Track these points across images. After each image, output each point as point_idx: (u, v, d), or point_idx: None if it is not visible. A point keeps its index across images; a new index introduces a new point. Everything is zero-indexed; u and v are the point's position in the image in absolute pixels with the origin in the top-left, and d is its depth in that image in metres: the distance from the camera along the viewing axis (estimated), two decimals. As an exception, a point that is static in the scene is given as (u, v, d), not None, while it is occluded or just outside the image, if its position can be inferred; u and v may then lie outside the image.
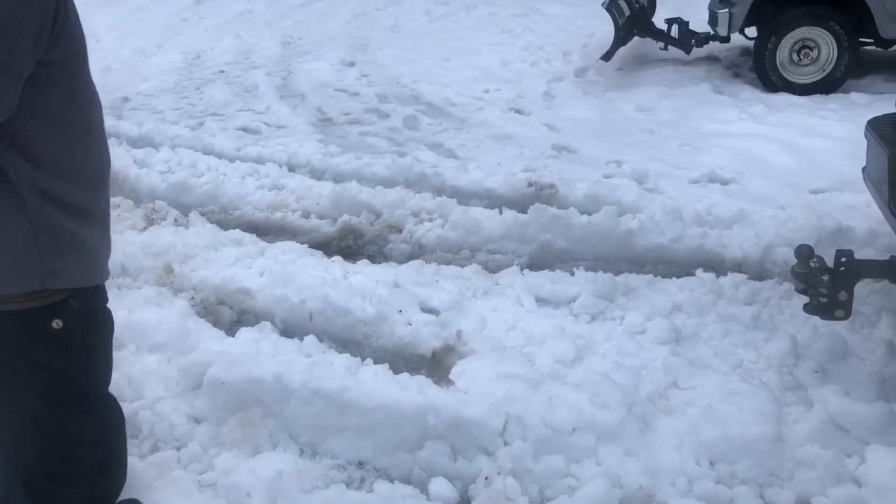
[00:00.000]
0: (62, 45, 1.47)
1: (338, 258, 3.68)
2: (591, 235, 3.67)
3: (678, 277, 3.34)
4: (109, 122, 5.92)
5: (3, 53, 1.34)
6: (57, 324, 1.56)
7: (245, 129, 6.00)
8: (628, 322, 2.96)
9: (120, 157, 5.01)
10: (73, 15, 1.51)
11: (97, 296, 1.67)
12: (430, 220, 4.16)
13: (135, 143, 5.61)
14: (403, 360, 2.89)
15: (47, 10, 1.39)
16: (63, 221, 1.53)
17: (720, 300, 3.08)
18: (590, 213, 3.84)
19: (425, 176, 4.70)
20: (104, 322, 1.73)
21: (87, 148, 1.59)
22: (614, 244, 3.65)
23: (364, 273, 3.41)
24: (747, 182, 4.50)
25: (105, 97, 6.70)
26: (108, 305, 1.75)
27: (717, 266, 3.54)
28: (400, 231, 4.12)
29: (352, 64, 7.75)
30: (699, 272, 3.31)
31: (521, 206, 4.30)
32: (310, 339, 2.87)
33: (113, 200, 4.31)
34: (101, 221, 1.65)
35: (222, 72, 7.77)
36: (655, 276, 3.38)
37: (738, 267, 3.50)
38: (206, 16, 10.11)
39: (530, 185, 4.48)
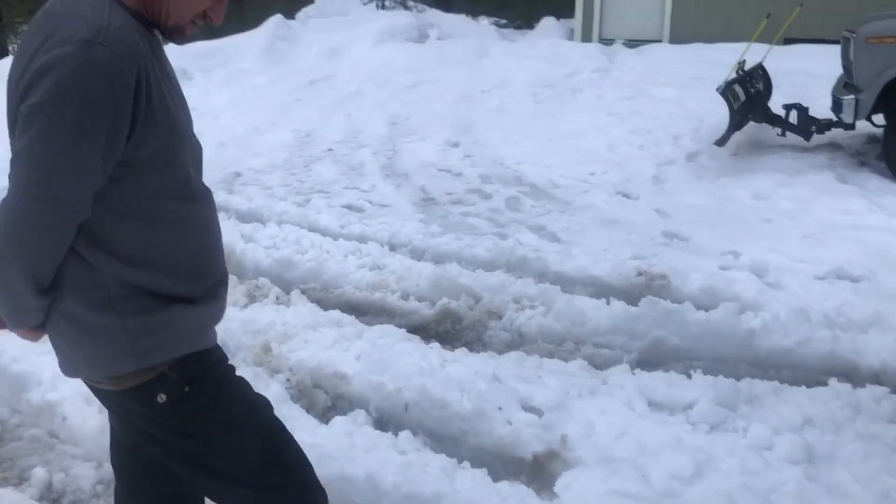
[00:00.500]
0: (148, 144, 1.41)
1: (436, 344, 3.55)
2: (708, 334, 3.41)
3: (808, 386, 3.03)
4: (220, 197, 6.09)
5: (71, 162, 1.32)
6: (161, 398, 1.52)
7: (350, 207, 6.04)
8: (753, 435, 2.67)
9: (228, 232, 5.09)
10: (167, 110, 1.45)
11: (201, 361, 1.58)
12: (532, 307, 4.00)
13: (243, 217, 5.72)
14: (502, 463, 2.69)
15: (121, 115, 1.34)
16: (152, 306, 1.49)
17: (859, 416, 2.75)
18: (706, 309, 3.58)
19: (527, 260, 4.56)
20: (222, 379, 1.64)
21: (181, 240, 1.52)
22: (734, 345, 3.38)
23: (462, 362, 3.26)
24: (880, 280, 4.13)
25: (218, 172, 6.97)
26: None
27: (851, 375, 3.20)
28: (500, 317, 3.96)
29: (456, 144, 7.78)
30: (832, 382, 2.99)
31: (630, 296, 4.09)
32: (405, 435, 2.72)
33: (217, 275, 4.37)
34: (203, 300, 1.58)
35: (331, 150, 7.95)
36: (781, 382, 3.07)
37: (876, 377, 3.15)
38: (318, 96, 10.46)
39: (640, 274, 4.26)
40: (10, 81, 1.42)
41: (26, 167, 1.33)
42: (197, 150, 1.61)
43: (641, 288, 4.13)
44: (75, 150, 1.32)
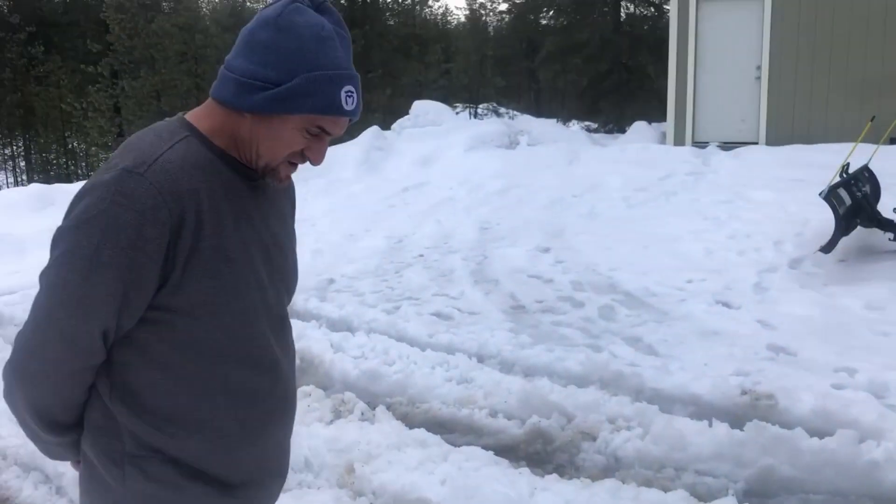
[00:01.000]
0: (189, 292, 1.28)
1: (525, 469, 3.38)
2: (824, 464, 3.12)
3: (946, 531, 2.69)
4: (313, 304, 6.18)
5: (79, 295, 1.23)
6: None
7: (438, 315, 6.00)
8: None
9: (318, 341, 5.12)
10: (224, 259, 1.31)
11: None
12: (629, 428, 3.78)
13: (334, 325, 5.75)
14: None
15: (148, 253, 1.23)
16: (172, 478, 1.33)
17: None
18: (820, 436, 3.29)
19: (622, 375, 4.36)
20: None
21: (224, 409, 1.35)
22: (854, 478, 3.06)
23: (553, 491, 3.07)
24: None
25: (312, 279, 7.09)
26: None
27: None
28: (594, 439, 3.75)
29: (547, 250, 7.71)
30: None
31: (734, 416, 3.82)
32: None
33: (304, 389, 4.35)
34: (240, 489, 1.39)
35: (421, 255, 8.01)
36: (914, 526, 2.74)
37: None
38: (410, 202, 10.67)
39: (744, 393, 3.99)
40: None
41: (40, 292, 1.27)
42: (274, 307, 1.43)
43: (746, 408, 3.86)
44: (85, 283, 1.22)
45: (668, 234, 7.66)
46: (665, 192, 9.48)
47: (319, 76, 1.27)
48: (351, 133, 13.56)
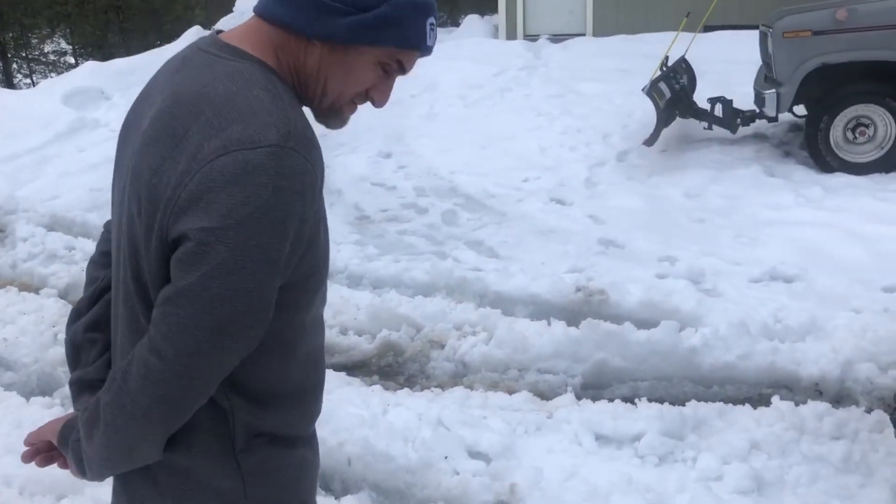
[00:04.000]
0: (307, 262, 1.14)
1: (377, 387, 3.45)
2: (650, 354, 3.40)
3: (752, 406, 3.03)
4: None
5: (261, 304, 1.06)
6: None
7: (281, 231, 5.87)
8: (702, 466, 2.65)
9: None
10: (324, 217, 1.19)
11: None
12: (474, 334, 3.93)
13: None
14: (452, 517, 2.61)
15: (305, 236, 1.09)
16: (273, 455, 1.22)
17: (803, 436, 2.76)
18: (647, 327, 3.57)
19: (467, 281, 4.50)
20: None
21: (309, 375, 1.26)
22: (676, 363, 3.37)
23: (405, 406, 3.17)
24: (813, 279, 4.19)
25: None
26: None
27: (793, 385, 3.24)
28: (442, 347, 3.89)
29: (388, 155, 7.66)
30: (776, 400, 2.99)
31: (570, 313, 4.06)
32: (349, 501, 2.62)
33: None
34: (312, 439, 1.34)
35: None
36: (726, 403, 3.07)
37: (816, 387, 3.19)
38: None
39: (579, 290, 4.23)
40: (139, 167, 1.10)
41: (198, 312, 1.03)
42: None
43: (581, 304, 4.10)
44: (264, 286, 1.05)
45: (504, 133, 7.80)
46: (500, 89, 9.58)
47: (407, 3, 1.12)
48: (170, 35, 12.61)
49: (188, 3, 20.83)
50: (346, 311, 4.28)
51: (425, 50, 1.18)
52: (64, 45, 25.90)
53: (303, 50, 1.14)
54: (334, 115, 1.21)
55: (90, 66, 11.56)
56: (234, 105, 1.06)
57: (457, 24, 14.40)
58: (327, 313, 4.25)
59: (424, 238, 5.52)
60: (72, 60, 23.61)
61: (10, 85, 21.36)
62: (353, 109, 1.23)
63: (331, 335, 4.10)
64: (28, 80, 23.34)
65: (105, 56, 15.14)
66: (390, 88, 1.22)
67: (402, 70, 1.20)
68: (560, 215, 5.65)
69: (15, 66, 23.90)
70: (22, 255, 5.22)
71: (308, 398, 1.28)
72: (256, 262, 1.03)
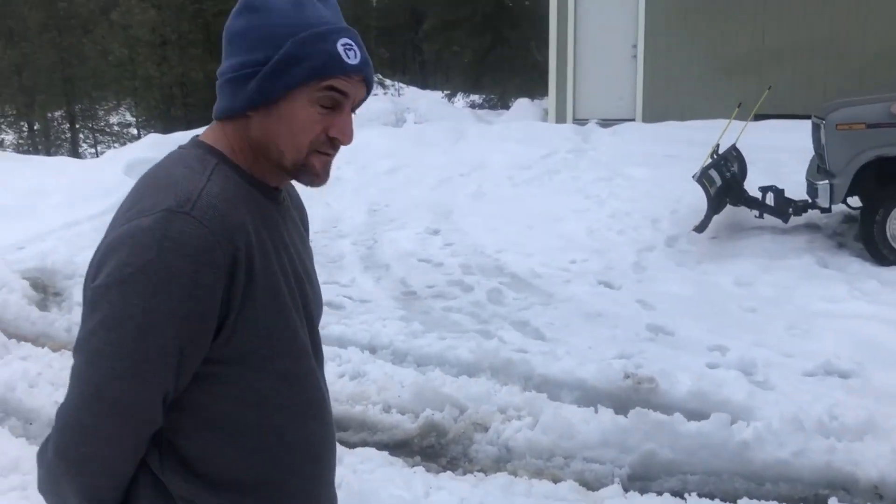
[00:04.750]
0: (243, 338, 1.13)
1: (419, 468, 3.41)
2: (701, 447, 3.31)
3: (807, 506, 2.92)
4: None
5: (135, 360, 1.07)
6: None
7: (329, 304, 5.92)
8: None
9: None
10: (275, 294, 1.16)
11: None
12: (519, 418, 3.88)
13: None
14: None
15: (205, 303, 1.08)
16: None
17: (864, 543, 2.63)
18: (697, 418, 3.48)
19: (512, 362, 4.46)
20: None
21: (276, 464, 1.21)
22: (727, 458, 3.27)
23: (448, 490, 3.12)
24: (870, 375, 4.07)
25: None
26: None
27: (851, 487, 3.11)
28: (486, 430, 3.83)
29: (436, 232, 7.75)
30: (833, 503, 2.87)
31: (618, 400, 3.99)
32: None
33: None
34: None
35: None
36: (780, 502, 2.95)
37: (876, 490, 3.06)
38: (297, 185, 10.47)
39: (627, 376, 4.17)
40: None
41: (83, 364, 1.09)
42: (316, 340, 1.30)
43: (629, 392, 4.03)
44: (141, 345, 1.06)
45: (551, 214, 7.85)
46: (548, 171, 9.69)
47: (308, 36, 1.13)
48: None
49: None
50: (389, 387, 4.27)
51: (352, 70, 1.16)
52: (129, 117, 27.08)
53: (244, 127, 1.18)
54: (305, 171, 1.20)
55: (152, 138, 12.06)
56: (154, 181, 1.15)
57: (507, 107, 14.72)
58: (371, 389, 4.27)
59: (470, 316, 5.52)
60: (135, 132, 24.63)
61: (76, 154, 22.30)
62: (325, 159, 1.21)
63: (374, 412, 4.09)
64: (93, 150, 24.35)
65: (167, 128, 15.76)
66: (347, 122, 1.20)
67: (347, 96, 1.18)
68: (608, 299, 5.61)
69: (81, 135, 25.01)
70: (77, 319, 5.35)
71: (275, 491, 1.21)
72: (134, 320, 1.05)
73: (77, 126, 24.53)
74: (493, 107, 16.10)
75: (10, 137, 24.28)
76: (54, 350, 4.90)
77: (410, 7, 29.86)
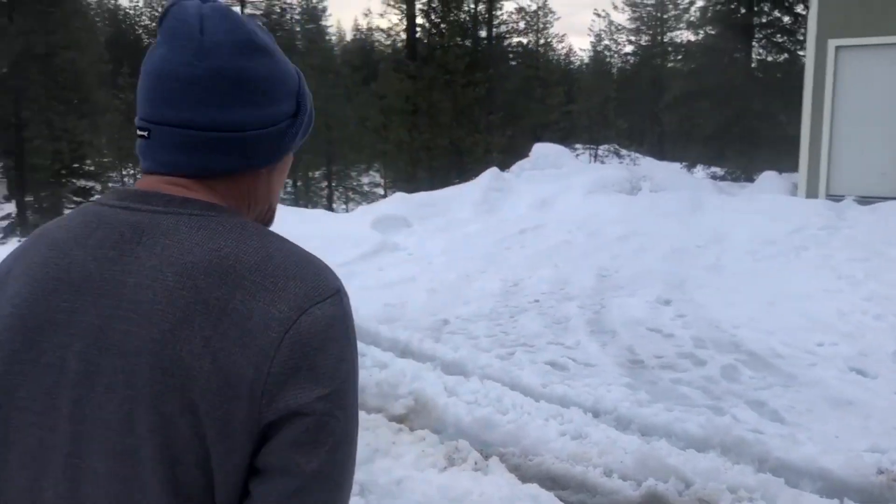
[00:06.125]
0: None
1: (640, 537, 3.28)
2: (972, 562, 2.87)
3: None
4: (427, 345, 6.26)
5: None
6: None
7: (553, 364, 5.94)
8: None
9: (432, 383, 5.17)
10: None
11: None
12: (751, 500, 3.61)
13: (448, 368, 5.79)
14: None
15: None
16: None
17: None
18: (969, 529, 3.04)
19: (745, 442, 4.18)
20: None
21: None
22: None
23: (670, 563, 2.96)
24: None
25: (427, 318, 7.20)
26: None
27: None
28: (714, 509, 3.61)
29: (667, 302, 7.52)
30: None
31: (869, 496, 3.61)
32: None
33: (419, 433, 4.40)
34: None
35: (537, 301, 7.97)
36: None
37: None
38: (527, 245, 10.67)
39: (881, 472, 3.74)
40: (168, 359, 0.89)
41: (332, 494, 0.92)
42: None
43: (883, 489, 3.62)
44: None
45: (797, 292, 7.32)
46: (795, 247, 9.08)
47: (303, 86, 1.09)
48: (471, 174, 13.78)
49: (489, 147, 22.71)
50: (611, 452, 4.17)
51: None
52: (378, 178, 29.39)
53: (250, 184, 1.06)
54: (270, 218, 1.15)
55: (398, 197, 12.97)
56: (272, 262, 0.95)
57: (751, 180, 14.05)
58: (592, 451, 4.20)
59: (700, 390, 5.26)
60: (381, 191, 26.63)
61: (330, 208, 24.52)
62: None
63: (594, 474, 4.01)
64: (343, 206, 26.65)
65: (411, 189, 16.88)
66: None
67: None
68: (860, 387, 5.10)
69: (336, 193, 27.53)
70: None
71: None
72: (356, 423, 0.95)
73: (332, 185, 27.03)
74: (735, 179, 15.44)
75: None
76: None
77: (652, 78, 29.71)
